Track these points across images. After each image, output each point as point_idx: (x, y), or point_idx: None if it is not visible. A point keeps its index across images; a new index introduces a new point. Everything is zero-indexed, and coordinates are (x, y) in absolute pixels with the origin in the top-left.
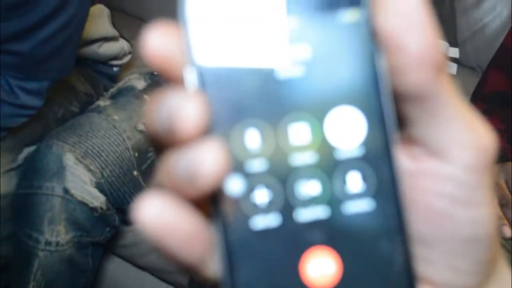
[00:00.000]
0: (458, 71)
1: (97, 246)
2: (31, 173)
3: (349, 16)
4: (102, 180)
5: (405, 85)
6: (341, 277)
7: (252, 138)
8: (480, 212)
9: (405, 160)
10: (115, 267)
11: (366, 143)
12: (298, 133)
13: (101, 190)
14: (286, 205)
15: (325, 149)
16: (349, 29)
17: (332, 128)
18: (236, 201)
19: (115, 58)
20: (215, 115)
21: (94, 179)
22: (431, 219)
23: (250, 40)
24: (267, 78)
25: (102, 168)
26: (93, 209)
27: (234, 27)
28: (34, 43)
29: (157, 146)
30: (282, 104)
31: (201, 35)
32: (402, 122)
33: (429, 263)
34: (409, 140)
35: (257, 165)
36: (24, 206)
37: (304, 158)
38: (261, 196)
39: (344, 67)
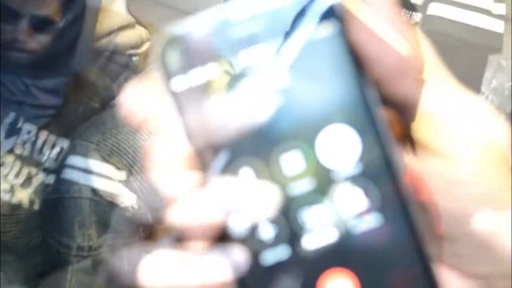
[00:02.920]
0: (506, 28)
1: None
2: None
3: (321, 31)
4: (131, 178)
5: (389, 95)
6: None
7: (246, 176)
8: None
9: (413, 163)
10: None
11: (363, 158)
12: (291, 162)
13: (131, 189)
14: (292, 235)
15: (321, 172)
16: (324, 45)
17: (325, 150)
18: (242, 240)
19: (134, 47)
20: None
21: (122, 177)
22: (452, 220)
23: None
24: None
25: (130, 166)
26: (124, 209)
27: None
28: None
29: None
30: (269, 136)
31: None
32: (400, 121)
33: (460, 258)
34: (413, 141)
35: None
36: (52, 212)
37: (302, 186)
38: (266, 231)
39: (325, 84)
